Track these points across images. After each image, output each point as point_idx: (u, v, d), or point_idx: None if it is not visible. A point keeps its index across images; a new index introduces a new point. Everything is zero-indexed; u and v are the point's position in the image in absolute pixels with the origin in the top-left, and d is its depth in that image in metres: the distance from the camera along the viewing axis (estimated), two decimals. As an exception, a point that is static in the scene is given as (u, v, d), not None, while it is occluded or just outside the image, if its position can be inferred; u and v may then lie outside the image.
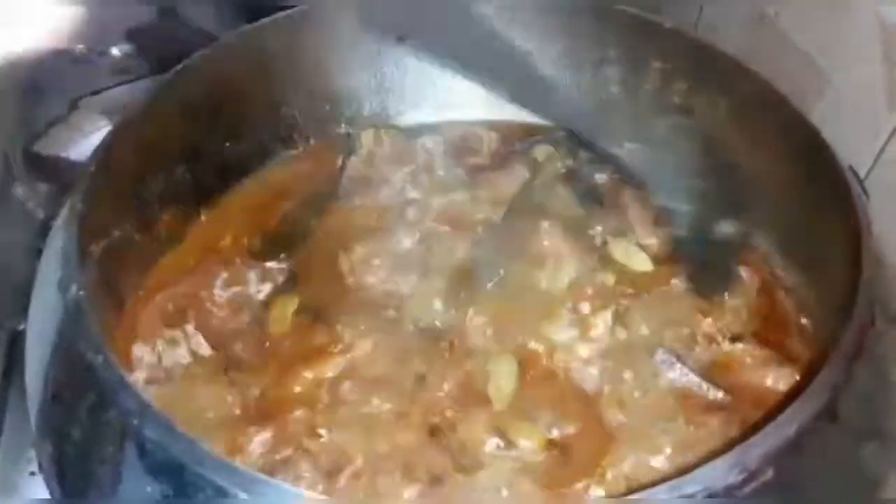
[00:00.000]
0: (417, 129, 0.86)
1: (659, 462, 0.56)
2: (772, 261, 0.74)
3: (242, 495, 0.41)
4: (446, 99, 0.88)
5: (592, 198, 0.79)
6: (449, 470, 0.56)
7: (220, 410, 0.58)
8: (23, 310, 0.76)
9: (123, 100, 1.01)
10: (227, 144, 0.78)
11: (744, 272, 0.72)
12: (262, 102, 0.80)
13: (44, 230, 0.82)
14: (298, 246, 0.74)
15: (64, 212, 0.58)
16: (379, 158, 0.81)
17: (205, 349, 0.64)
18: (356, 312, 0.66)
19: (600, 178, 0.81)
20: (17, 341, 0.81)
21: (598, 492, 0.54)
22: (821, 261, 0.67)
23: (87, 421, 0.48)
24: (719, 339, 0.66)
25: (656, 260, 0.73)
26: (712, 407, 0.61)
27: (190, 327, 0.65)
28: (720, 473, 0.44)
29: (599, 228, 0.75)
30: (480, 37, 0.85)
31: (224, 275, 0.70)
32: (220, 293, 0.69)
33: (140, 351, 0.63)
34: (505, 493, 0.55)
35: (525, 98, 0.87)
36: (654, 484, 0.43)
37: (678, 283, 0.70)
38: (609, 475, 0.55)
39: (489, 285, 0.69)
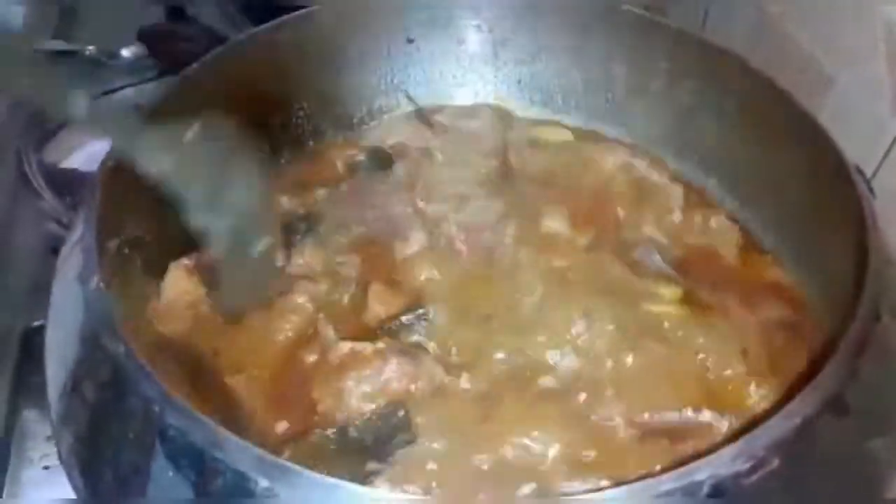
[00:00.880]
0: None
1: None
2: (775, 256, 0.76)
3: (264, 481, 0.42)
4: (454, 98, 0.89)
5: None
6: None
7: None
8: (35, 307, 0.77)
9: (134, 101, 1.03)
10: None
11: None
12: (274, 102, 0.81)
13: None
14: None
15: (83, 208, 0.59)
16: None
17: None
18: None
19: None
20: (29, 338, 0.82)
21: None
22: (827, 256, 0.68)
23: (108, 410, 0.49)
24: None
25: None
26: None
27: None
28: (726, 461, 0.44)
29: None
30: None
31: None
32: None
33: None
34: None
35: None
36: (660, 472, 0.44)
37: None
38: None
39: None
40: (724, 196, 0.81)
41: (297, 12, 0.79)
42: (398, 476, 0.54)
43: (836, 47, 0.83)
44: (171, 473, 0.44)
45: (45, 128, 0.97)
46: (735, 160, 0.79)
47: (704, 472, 0.44)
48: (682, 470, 0.44)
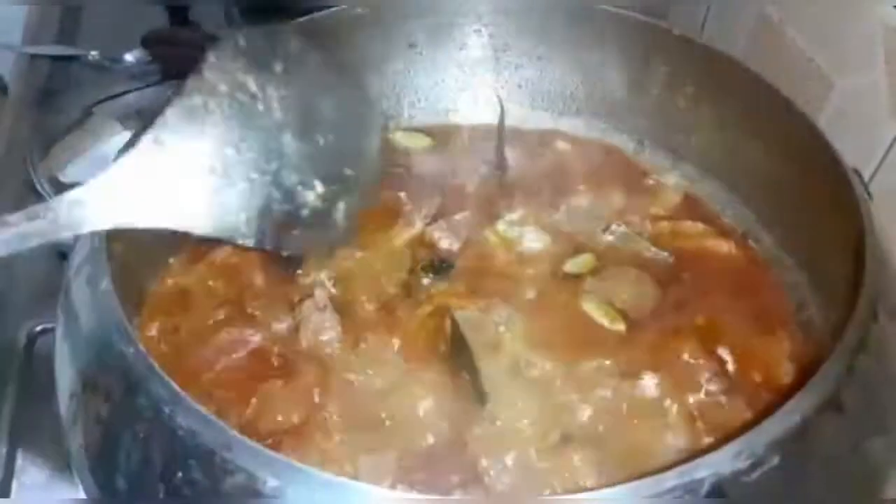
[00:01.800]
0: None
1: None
2: (773, 257, 0.76)
3: (273, 481, 0.43)
4: (456, 103, 0.90)
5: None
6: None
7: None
8: (43, 311, 0.78)
9: (137, 105, 1.03)
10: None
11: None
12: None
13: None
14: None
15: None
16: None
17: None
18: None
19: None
20: (35, 342, 0.83)
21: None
22: (824, 258, 0.68)
23: (118, 411, 0.50)
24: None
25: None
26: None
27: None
28: (727, 459, 0.45)
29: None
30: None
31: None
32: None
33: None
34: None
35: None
36: (661, 470, 0.45)
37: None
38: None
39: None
40: (721, 198, 0.82)
41: (299, 18, 0.79)
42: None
43: (835, 50, 0.84)
44: (180, 474, 0.45)
45: (50, 134, 0.98)
46: (733, 162, 0.80)
47: (705, 470, 0.45)
48: (682, 468, 0.44)
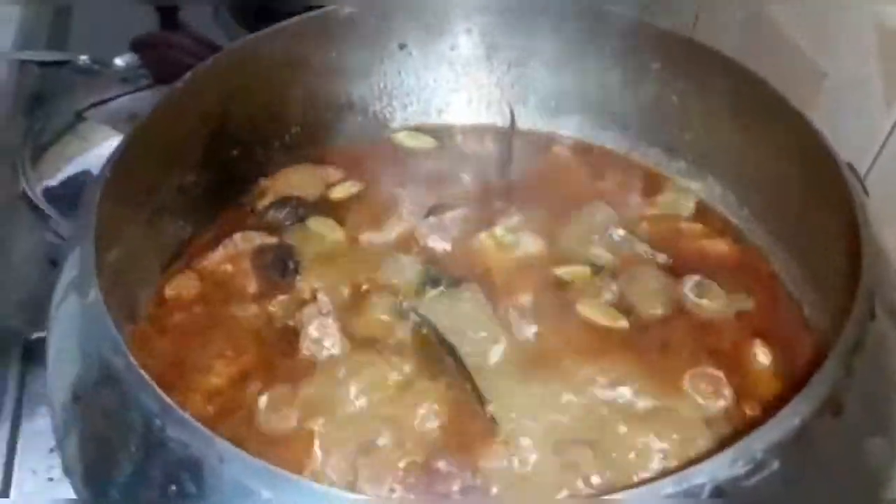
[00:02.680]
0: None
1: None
2: (770, 256, 0.76)
3: (267, 494, 0.42)
4: (449, 104, 0.89)
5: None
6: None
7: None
8: (37, 318, 0.77)
9: (129, 109, 1.03)
10: (235, 153, 0.79)
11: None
12: (267, 110, 0.81)
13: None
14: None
15: (80, 217, 0.59)
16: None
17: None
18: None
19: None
20: (31, 349, 0.83)
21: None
22: (820, 256, 0.68)
23: (109, 423, 0.49)
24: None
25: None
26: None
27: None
28: (726, 465, 0.45)
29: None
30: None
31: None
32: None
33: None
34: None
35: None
36: (658, 477, 0.44)
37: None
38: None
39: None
40: (717, 195, 0.81)
41: (290, 19, 0.79)
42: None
43: (829, 44, 0.84)
44: (173, 487, 0.45)
45: (41, 140, 0.97)
46: (728, 159, 0.80)
47: (704, 475, 0.44)
48: (681, 474, 0.44)
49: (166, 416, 0.45)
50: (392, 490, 0.58)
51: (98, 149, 0.94)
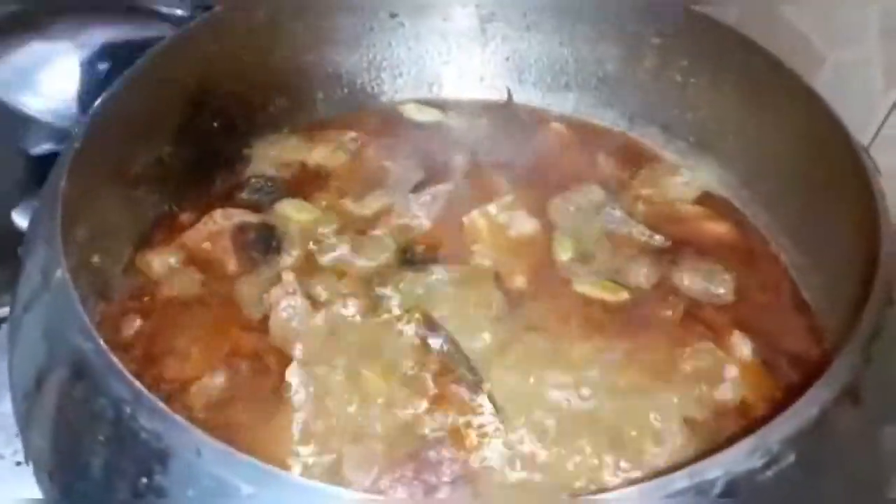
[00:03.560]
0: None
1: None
2: (771, 240, 0.74)
3: (248, 489, 0.39)
4: (440, 77, 0.86)
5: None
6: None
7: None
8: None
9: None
10: (215, 125, 0.75)
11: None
12: (250, 81, 0.78)
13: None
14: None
15: (46, 193, 0.55)
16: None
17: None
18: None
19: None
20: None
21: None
22: (828, 240, 0.66)
23: (75, 411, 0.46)
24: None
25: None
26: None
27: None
28: (741, 458, 0.42)
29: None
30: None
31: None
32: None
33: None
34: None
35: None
36: (672, 470, 0.42)
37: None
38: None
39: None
40: (718, 176, 0.79)
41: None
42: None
43: (828, 25, 0.82)
44: (144, 480, 0.41)
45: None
46: (732, 140, 0.77)
47: (717, 469, 0.42)
48: (693, 467, 0.41)
49: (138, 404, 0.42)
50: (378, 479, 0.55)
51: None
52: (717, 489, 0.41)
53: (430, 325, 0.63)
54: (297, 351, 0.62)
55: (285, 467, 0.53)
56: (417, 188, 0.75)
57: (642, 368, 0.61)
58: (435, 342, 0.62)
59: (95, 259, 0.63)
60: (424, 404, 0.59)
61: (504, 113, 0.84)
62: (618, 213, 0.74)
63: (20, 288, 0.53)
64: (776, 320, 0.68)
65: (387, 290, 0.66)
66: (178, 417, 0.41)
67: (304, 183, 0.76)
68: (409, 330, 0.63)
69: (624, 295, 0.67)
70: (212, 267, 0.68)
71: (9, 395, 0.70)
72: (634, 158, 0.81)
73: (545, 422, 0.58)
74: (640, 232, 0.73)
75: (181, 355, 0.61)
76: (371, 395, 0.59)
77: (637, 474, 0.53)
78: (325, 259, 0.69)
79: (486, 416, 0.59)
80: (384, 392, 0.59)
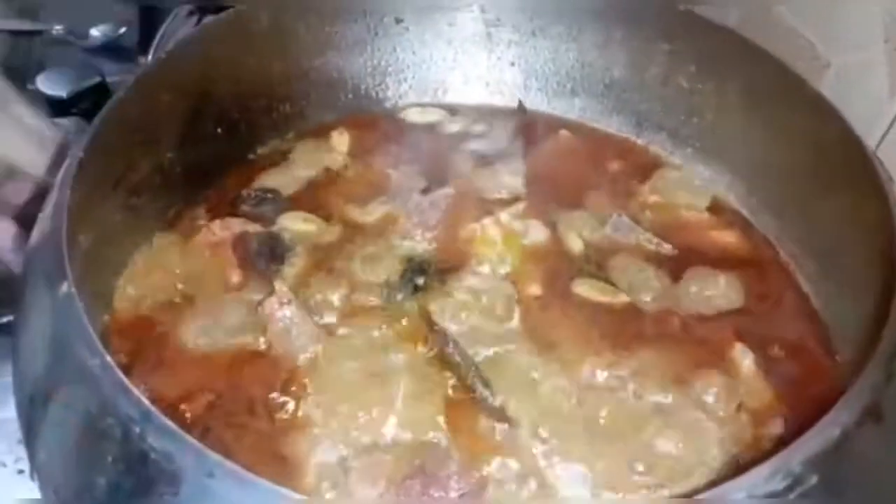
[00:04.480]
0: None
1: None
2: (780, 248, 0.73)
3: (259, 510, 0.38)
4: (445, 82, 0.86)
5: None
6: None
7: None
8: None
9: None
10: (218, 131, 0.75)
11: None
12: (253, 86, 0.77)
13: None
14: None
15: (51, 201, 0.54)
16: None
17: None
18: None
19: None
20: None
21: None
22: (840, 248, 0.65)
23: (81, 429, 0.45)
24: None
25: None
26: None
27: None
28: (762, 480, 0.41)
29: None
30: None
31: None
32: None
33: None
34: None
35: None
36: (692, 494, 0.41)
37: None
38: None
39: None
40: (726, 183, 0.78)
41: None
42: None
43: (833, 31, 0.81)
44: (154, 500, 0.40)
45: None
46: (739, 146, 0.77)
47: (738, 492, 0.41)
48: (713, 491, 0.41)
49: (147, 423, 0.41)
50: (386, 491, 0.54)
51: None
52: (736, 516, 0.41)
53: (440, 335, 0.62)
54: (301, 364, 0.61)
55: (294, 486, 0.52)
56: (422, 194, 0.74)
57: (654, 383, 0.60)
58: (445, 353, 0.61)
59: (98, 268, 0.61)
60: (434, 417, 0.58)
61: (510, 118, 0.83)
62: (626, 220, 0.73)
63: (24, 298, 0.52)
64: (785, 330, 0.67)
65: (394, 300, 0.65)
66: (189, 438, 0.40)
67: (307, 190, 0.75)
68: (419, 341, 0.62)
69: (623, 297, 0.67)
70: (214, 278, 0.67)
71: (11, 402, 0.70)
72: (641, 165, 0.80)
73: (558, 436, 0.57)
74: (647, 240, 0.72)
75: (181, 369, 0.60)
76: (379, 407, 0.58)
77: (654, 493, 0.53)
78: (330, 268, 0.68)
79: (498, 428, 0.58)
80: (392, 405, 0.58)
